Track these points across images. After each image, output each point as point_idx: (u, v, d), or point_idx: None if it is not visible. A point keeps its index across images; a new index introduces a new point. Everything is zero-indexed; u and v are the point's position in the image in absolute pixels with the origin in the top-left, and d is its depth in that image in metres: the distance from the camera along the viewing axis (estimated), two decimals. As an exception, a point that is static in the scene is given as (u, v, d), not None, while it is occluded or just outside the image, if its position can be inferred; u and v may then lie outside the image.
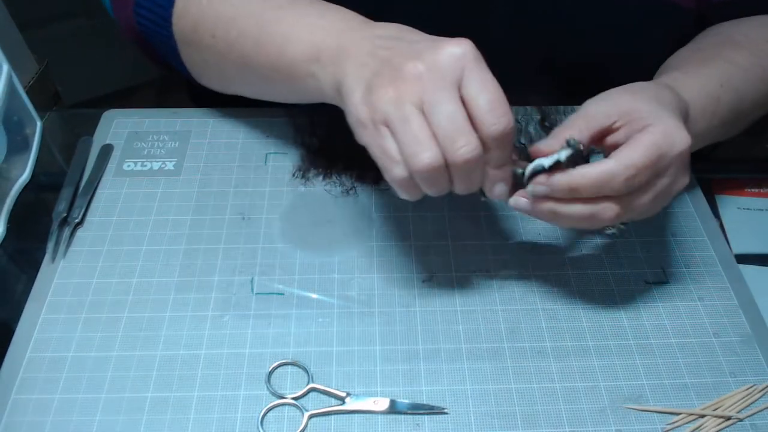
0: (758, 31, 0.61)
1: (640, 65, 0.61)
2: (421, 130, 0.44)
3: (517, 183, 0.49)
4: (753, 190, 0.66)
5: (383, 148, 0.46)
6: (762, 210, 0.64)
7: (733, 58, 0.58)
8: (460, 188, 0.47)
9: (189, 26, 0.60)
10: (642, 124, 0.47)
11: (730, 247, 0.61)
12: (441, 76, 0.43)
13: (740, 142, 0.71)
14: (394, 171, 0.46)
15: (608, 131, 0.49)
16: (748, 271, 0.59)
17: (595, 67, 0.71)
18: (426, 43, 0.45)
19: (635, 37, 0.68)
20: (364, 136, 0.47)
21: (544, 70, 0.73)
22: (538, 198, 0.48)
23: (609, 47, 0.68)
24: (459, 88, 0.44)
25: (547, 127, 0.69)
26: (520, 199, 0.49)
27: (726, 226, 0.63)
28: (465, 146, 0.43)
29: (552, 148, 0.48)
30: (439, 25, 0.69)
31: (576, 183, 0.46)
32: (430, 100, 0.43)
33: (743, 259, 0.60)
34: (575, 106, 0.73)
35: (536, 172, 0.47)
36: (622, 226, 0.51)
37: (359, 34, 0.50)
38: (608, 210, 0.47)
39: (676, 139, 0.47)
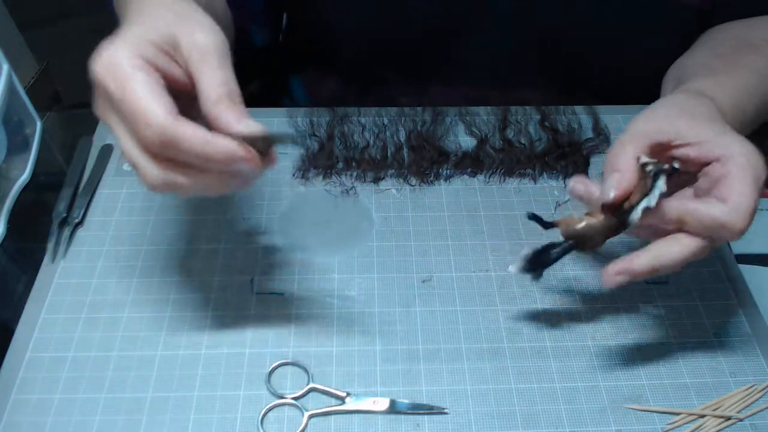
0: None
1: (641, 63, 0.61)
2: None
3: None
4: (753, 190, 0.66)
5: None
6: (762, 210, 0.64)
7: (755, 64, 0.57)
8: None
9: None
10: (717, 152, 0.45)
11: (730, 246, 0.61)
12: (99, 112, 0.42)
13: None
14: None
15: (666, 148, 0.47)
16: (748, 270, 0.59)
17: (597, 64, 0.71)
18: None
19: (638, 33, 0.68)
20: None
21: (545, 67, 0.73)
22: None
23: (611, 44, 0.68)
24: None
25: (546, 127, 0.69)
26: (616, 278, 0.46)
27: (726, 226, 0.63)
28: (148, 130, 0.39)
29: (627, 181, 0.45)
30: (442, 19, 0.69)
31: (683, 218, 0.45)
32: (110, 98, 0.41)
33: (743, 259, 0.60)
34: (575, 107, 0.73)
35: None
36: None
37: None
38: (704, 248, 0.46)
39: (755, 174, 0.45)
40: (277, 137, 0.42)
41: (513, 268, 0.50)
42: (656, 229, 0.46)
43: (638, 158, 0.45)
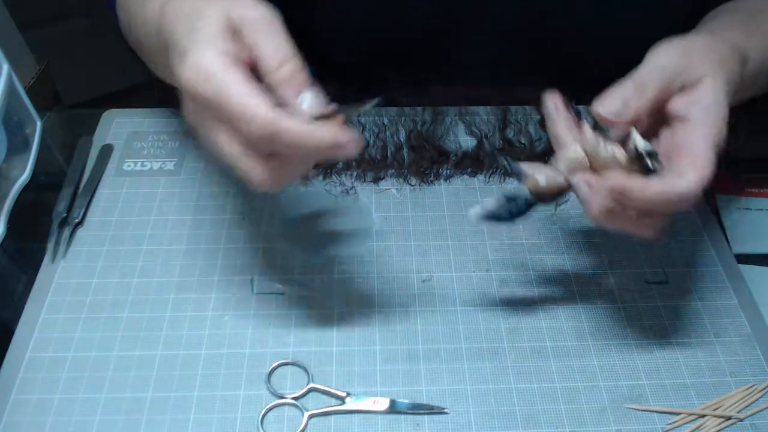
0: None
1: (639, 56, 0.61)
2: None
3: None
4: (753, 189, 0.66)
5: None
6: (762, 210, 0.64)
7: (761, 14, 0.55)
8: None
9: (125, 25, 0.60)
10: (692, 113, 0.44)
11: (730, 247, 0.61)
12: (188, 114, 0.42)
13: (741, 141, 0.71)
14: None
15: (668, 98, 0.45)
16: (749, 271, 0.59)
17: (596, 63, 0.71)
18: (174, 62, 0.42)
19: (637, 32, 0.68)
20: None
21: (544, 66, 0.73)
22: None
23: (610, 43, 0.68)
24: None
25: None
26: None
27: (726, 226, 0.63)
28: (250, 126, 0.39)
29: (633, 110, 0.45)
30: (440, 18, 0.69)
31: (650, 200, 0.43)
32: (206, 103, 0.41)
33: (744, 259, 0.60)
34: (576, 107, 0.73)
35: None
36: None
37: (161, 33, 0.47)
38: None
39: (722, 112, 0.44)
40: (356, 109, 0.42)
41: (474, 213, 0.48)
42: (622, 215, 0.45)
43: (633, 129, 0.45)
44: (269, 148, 0.40)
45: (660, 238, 0.46)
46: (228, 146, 0.41)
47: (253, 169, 0.41)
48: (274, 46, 0.41)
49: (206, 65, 0.39)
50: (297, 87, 0.41)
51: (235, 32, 0.42)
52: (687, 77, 0.45)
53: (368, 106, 0.43)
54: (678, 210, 0.44)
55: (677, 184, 0.42)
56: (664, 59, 0.47)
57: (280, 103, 0.40)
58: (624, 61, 0.66)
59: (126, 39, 0.62)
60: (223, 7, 0.42)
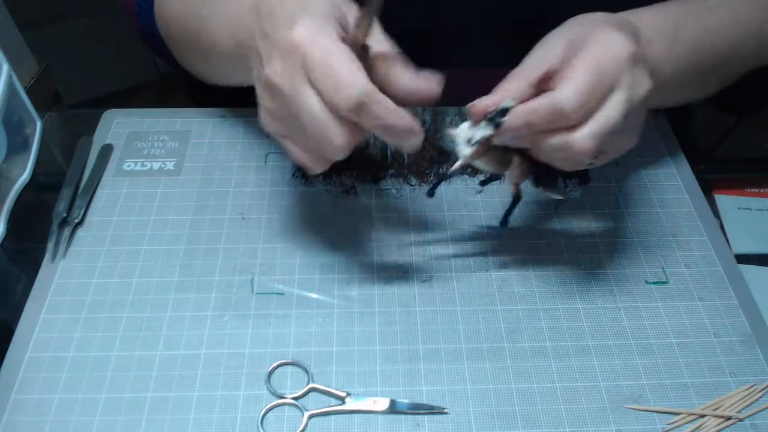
0: None
1: None
2: (304, 138, 0.45)
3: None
4: (753, 189, 0.66)
5: (291, 157, 0.48)
6: (762, 210, 0.64)
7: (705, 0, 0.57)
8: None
9: (163, 26, 0.64)
10: (579, 45, 0.46)
11: (730, 247, 0.61)
12: (286, 79, 0.44)
13: (740, 141, 0.71)
14: (311, 173, 0.48)
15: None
16: (748, 271, 0.59)
17: None
18: (273, 36, 0.45)
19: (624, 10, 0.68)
20: (269, 126, 0.48)
21: (532, 43, 0.72)
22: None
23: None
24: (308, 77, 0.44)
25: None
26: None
27: (726, 226, 0.63)
28: (333, 139, 0.44)
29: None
30: (428, 11, 0.68)
31: (529, 119, 0.45)
32: (291, 109, 0.44)
33: (743, 259, 0.60)
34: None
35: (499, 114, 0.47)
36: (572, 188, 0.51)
37: (254, 16, 0.49)
38: (579, 139, 0.45)
39: (615, 47, 0.45)
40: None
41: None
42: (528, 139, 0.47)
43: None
44: (355, 116, 0.43)
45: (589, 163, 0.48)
46: (316, 107, 0.43)
47: (334, 130, 0.43)
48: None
49: (319, 28, 0.43)
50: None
51: (343, 19, 0.46)
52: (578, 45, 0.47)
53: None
54: (568, 122, 0.45)
55: (554, 95, 0.45)
56: (551, 44, 0.49)
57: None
58: None
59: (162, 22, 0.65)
60: None
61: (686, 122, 0.73)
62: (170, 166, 0.66)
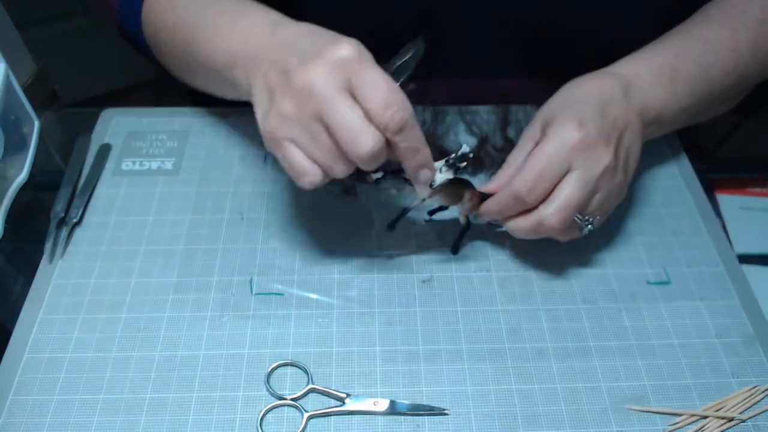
0: (737, 6, 0.61)
1: (628, 49, 0.61)
2: (320, 143, 0.46)
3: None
4: (755, 189, 0.66)
5: (290, 162, 0.48)
6: (764, 210, 0.64)
7: (699, 32, 0.60)
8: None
9: (151, 32, 0.64)
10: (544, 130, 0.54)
11: (732, 247, 0.61)
12: (329, 84, 0.45)
13: (743, 141, 0.71)
14: (302, 182, 0.48)
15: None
16: (751, 271, 0.59)
17: (587, 53, 0.70)
18: (316, 48, 0.46)
19: (623, 18, 0.68)
20: (272, 149, 0.49)
21: (534, 57, 0.72)
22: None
23: (599, 27, 0.68)
24: (351, 89, 0.45)
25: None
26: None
27: (728, 226, 0.63)
28: (365, 143, 0.44)
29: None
30: (428, 7, 0.68)
31: (498, 208, 0.54)
32: (322, 110, 0.45)
33: (745, 259, 0.60)
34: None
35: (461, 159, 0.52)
36: (588, 225, 0.54)
37: (266, 41, 0.50)
38: (545, 216, 0.52)
39: (564, 134, 0.51)
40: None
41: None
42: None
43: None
44: (391, 131, 0.45)
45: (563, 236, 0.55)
46: (350, 113, 0.44)
47: (368, 133, 0.44)
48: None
49: (365, 51, 0.46)
50: None
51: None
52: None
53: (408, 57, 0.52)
54: (518, 207, 0.53)
55: (511, 184, 0.53)
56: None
57: None
58: (614, 51, 0.66)
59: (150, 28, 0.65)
60: None
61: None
62: (169, 165, 0.66)
